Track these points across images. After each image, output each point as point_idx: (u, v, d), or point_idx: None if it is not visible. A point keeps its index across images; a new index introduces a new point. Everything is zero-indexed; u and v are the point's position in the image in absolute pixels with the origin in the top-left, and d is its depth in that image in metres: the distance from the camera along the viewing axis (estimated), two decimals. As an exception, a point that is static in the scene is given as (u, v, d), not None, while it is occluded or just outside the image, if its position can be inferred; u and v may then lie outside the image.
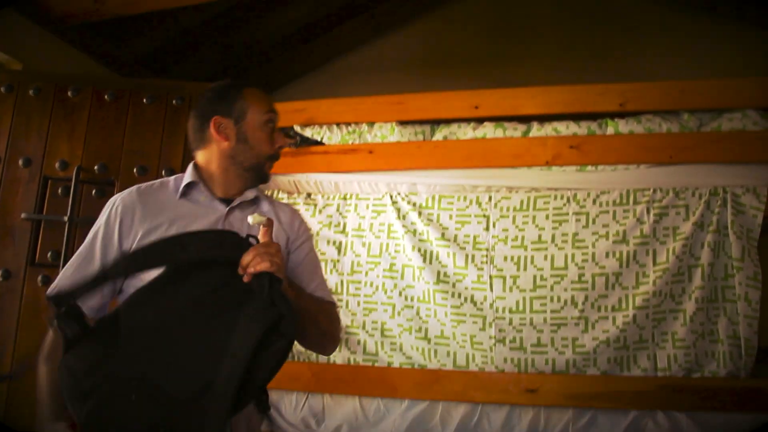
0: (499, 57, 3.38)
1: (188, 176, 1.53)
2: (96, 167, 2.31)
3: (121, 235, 1.44)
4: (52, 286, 1.39)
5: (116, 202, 1.47)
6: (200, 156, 1.57)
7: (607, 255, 2.18)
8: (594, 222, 2.21)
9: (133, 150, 2.36)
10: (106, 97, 2.35)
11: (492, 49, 3.46)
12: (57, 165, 2.30)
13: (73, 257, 1.45)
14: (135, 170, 2.34)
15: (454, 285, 2.26)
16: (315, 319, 1.48)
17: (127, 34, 2.84)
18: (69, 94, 2.32)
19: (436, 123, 2.44)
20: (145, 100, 2.38)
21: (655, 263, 2.14)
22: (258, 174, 1.58)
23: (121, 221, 1.45)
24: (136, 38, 2.90)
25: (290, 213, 1.61)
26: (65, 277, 1.41)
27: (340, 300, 2.35)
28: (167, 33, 2.96)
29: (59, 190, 2.30)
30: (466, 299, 2.24)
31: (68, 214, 2.25)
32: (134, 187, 1.52)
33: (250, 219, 1.33)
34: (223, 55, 3.30)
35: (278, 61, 3.57)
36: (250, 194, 1.58)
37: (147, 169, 2.34)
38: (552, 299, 2.18)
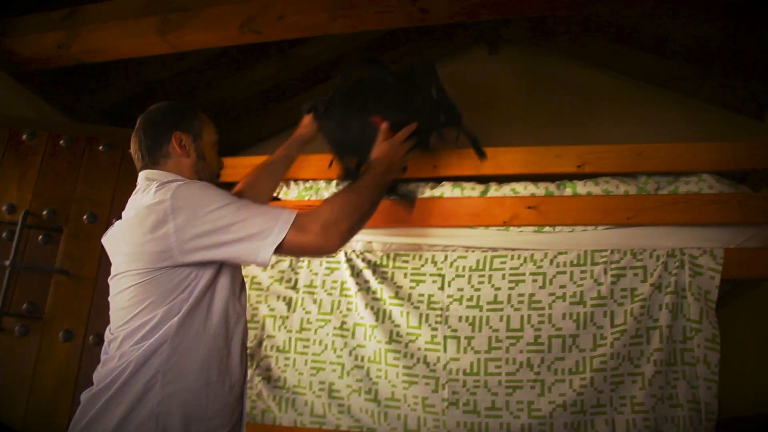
0: None
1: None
2: (45, 212, 2.53)
3: None
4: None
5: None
6: (165, 168, 1.84)
7: (564, 316, 2.36)
8: (551, 283, 2.41)
9: (84, 197, 2.60)
10: (61, 142, 2.61)
11: None
12: (4, 208, 2.53)
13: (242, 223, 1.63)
14: (85, 217, 2.55)
15: (406, 345, 2.42)
16: None
17: (90, 85, 3.14)
18: (24, 137, 2.58)
19: (395, 182, 2.73)
20: (101, 147, 2.64)
21: (612, 325, 2.32)
22: None
23: None
24: (100, 90, 3.20)
25: None
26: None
27: (287, 358, 2.52)
28: (131, 87, 3.27)
29: (4, 234, 2.51)
30: (418, 360, 2.40)
31: (11, 258, 2.43)
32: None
33: None
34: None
35: (244, 121, 3.94)
36: None
37: (97, 217, 2.56)
38: (507, 361, 2.35)
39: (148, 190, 1.71)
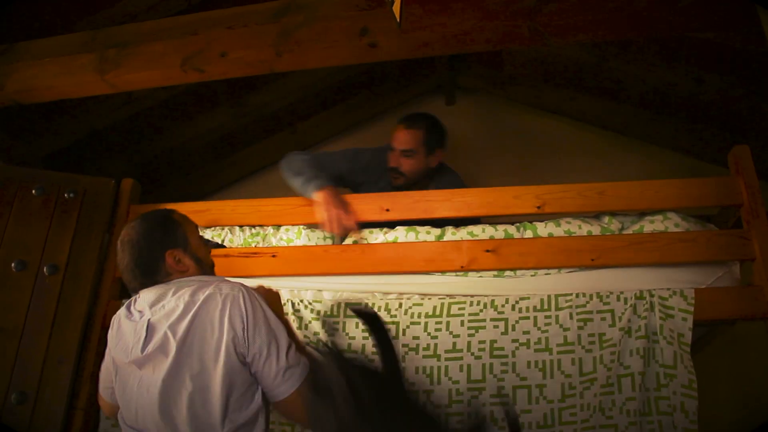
0: None
1: None
2: (-31, 260, 2.27)
3: None
4: None
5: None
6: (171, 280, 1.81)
7: (528, 365, 2.13)
8: (513, 329, 2.18)
9: (13, 243, 2.35)
10: (-11, 186, 2.37)
11: None
12: (-77, 255, 2.27)
13: None
14: (13, 265, 2.31)
15: (360, 400, 2.19)
16: None
17: (32, 130, 2.92)
18: (-50, 181, 2.36)
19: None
20: (34, 192, 2.40)
21: (581, 373, 2.09)
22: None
23: None
24: (42, 135, 2.96)
25: None
26: None
27: (230, 418, 2.25)
28: (75, 133, 3.06)
29: None
30: (373, 416, 2.18)
31: (-72, 309, 2.18)
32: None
33: None
34: (135, 162, 3.41)
35: (195, 173, 3.72)
36: None
37: (26, 264, 2.31)
38: (470, 415, 2.09)
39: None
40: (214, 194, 3.84)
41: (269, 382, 1.66)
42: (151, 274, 1.81)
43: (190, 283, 1.75)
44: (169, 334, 1.64)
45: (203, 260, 1.90)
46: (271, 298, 1.86)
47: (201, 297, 1.67)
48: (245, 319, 1.66)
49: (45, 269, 2.34)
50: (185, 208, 2.49)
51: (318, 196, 2.37)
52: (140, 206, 2.61)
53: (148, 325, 1.69)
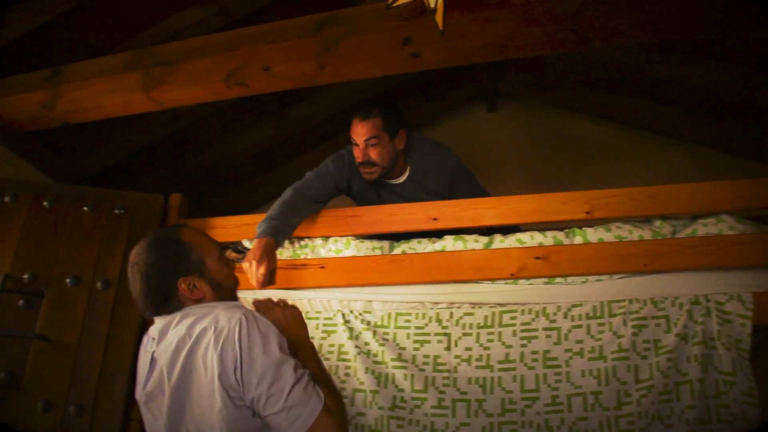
0: None
1: None
2: (25, 276, 2.31)
3: None
4: None
5: None
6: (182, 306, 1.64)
7: (583, 373, 2.09)
8: (566, 338, 2.15)
9: (68, 259, 2.39)
10: (44, 203, 2.41)
11: None
12: (-17, 273, 2.31)
13: None
14: (68, 280, 2.34)
15: (411, 411, 2.15)
16: None
17: (79, 149, 2.99)
18: (6, 199, 2.38)
19: (396, 239, 2.49)
20: (85, 209, 2.44)
21: (637, 380, 2.04)
22: (233, 299, 1.74)
23: None
24: (89, 154, 3.04)
25: None
26: None
27: None
28: (121, 151, 3.12)
29: (-18, 300, 2.28)
30: (425, 427, 2.13)
31: (-10, 325, 2.21)
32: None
33: None
34: (177, 179, 3.45)
35: (240, 187, 3.76)
36: None
37: (80, 280, 2.35)
38: (523, 424, 2.07)
39: None
40: (260, 207, 3.88)
41: (280, 424, 1.45)
42: (164, 303, 1.64)
43: (194, 313, 1.59)
44: (165, 373, 1.53)
45: (222, 283, 1.71)
46: (289, 315, 1.72)
47: (196, 331, 1.52)
48: (238, 359, 1.46)
49: (98, 284, 2.38)
50: (233, 221, 2.56)
51: (253, 243, 2.28)
52: (188, 220, 2.64)
53: (151, 359, 1.59)
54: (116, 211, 2.48)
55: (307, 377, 1.50)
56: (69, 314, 2.35)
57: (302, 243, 2.52)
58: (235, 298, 1.75)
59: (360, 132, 2.56)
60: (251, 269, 2.18)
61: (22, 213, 2.43)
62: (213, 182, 3.70)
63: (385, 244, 2.47)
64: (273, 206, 2.41)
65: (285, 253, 2.50)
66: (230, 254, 2.50)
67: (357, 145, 2.58)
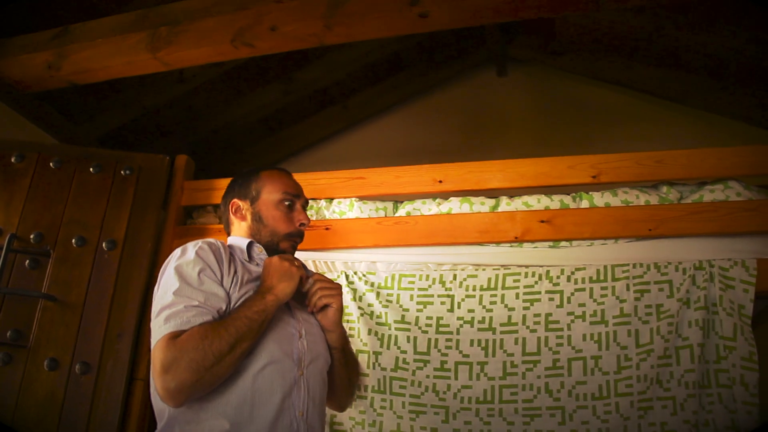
0: (470, 147, 3.65)
1: (245, 240, 1.79)
2: (32, 236, 2.34)
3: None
4: None
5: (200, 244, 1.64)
6: (232, 234, 1.86)
7: (584, 337, 2.12)
8: (569, 301, 2.18)
9: (74, 220, 2.41)
10: (51, 164, 2.44)
11: (463, 141, 3.74)
12: (-11, 232, 2.34)
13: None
14: (74, 241, 2.37)
15: (414, 373, 2.19)
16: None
17: (86, 111, 3.00)
18: (12, 160, 2.41)
19: (399, 201, 2.51)
20: (91, 169, 2.46)
21: (638, 345, 2.07)
22: (274, 251, 1.80)
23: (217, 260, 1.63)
24: (97, 116, 3.05)
25: None
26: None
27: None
28: (128, 113, 3.13)
29: (-12, 259, 2.32)
30: (427, 388, 2.16)
31: (-5, 283, 2.24)
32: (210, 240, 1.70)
33: None
34: (183, 142, 3.47)
35: (247, 150, 3.78)
36: None
37: (86, 240, 2.38)
38: (524, 387, 2.10)
39: None
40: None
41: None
42: (224, 221, 1.89)
43: None
44: None
45: (266, 220, 1.81)
46: (276, 264, 1.68)
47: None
48: (162, 268, 1.64)
49: (104, 245, 2.41)
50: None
51: None
52: (194, 182, 2.67)
53: None
54: (123, 172, 2.50)
55: (177, 308, 1.50)
56: (75, 274, 2.38)
57: (308, 205, 2.53)
58: (274, 246, 1.81)
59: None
60: None
61: (29, 173, 2.45)
62: (220, 146, 3.72)
63: (389, 205, 2.49)
64: None
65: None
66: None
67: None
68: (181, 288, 1.53)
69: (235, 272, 1.65)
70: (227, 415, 1.51)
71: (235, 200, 1.84)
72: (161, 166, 2.61)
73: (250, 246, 1.78)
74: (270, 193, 1.83)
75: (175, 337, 1.45)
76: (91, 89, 2.78)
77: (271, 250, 1.80)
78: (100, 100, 3.06)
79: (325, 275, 2.34)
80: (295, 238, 1.86)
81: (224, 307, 1.57)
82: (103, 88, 2.78)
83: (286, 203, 1.83)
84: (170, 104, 3.26)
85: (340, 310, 1.80)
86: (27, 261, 2.35)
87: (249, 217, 1.82)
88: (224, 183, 2.56)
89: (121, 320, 2.37)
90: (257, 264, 1.76)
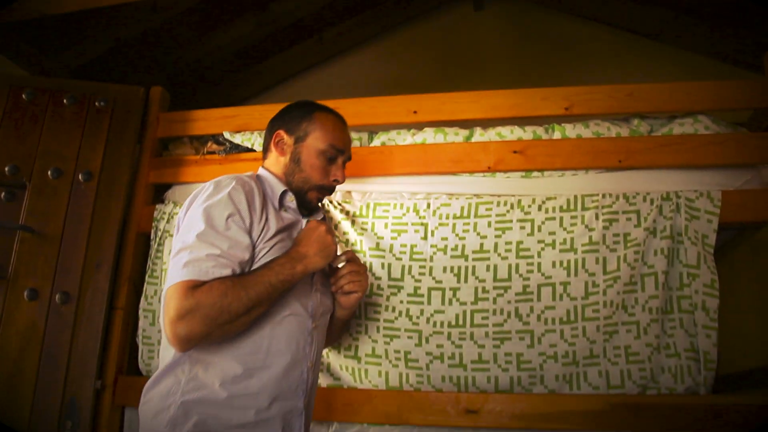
0: (444, 81, 3.66)
1: (279, 184, 1.78)
2: (7, 169, 2.34)
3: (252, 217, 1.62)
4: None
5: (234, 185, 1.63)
6: (266, 163, 1.87)
7: (553, 264, 2.19)
8: (539, 230, 2.23)
9: (49, 152, 2.41)
10: (23, 96, 2.42)
11: (439, 74, 3.75)
12: (-36, 166, 2.33)
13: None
14: (50, 173, 2.37)
15: (388, 298, 2.24)
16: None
17: (57, 42, 2.94)
18: (-17, 93, 2.38)
19: (374, 131, 2.54)
20: (65, 101, 2.45)
21: (605, 272, 2.14)
22: (301, 200, 1.83)
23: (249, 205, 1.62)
24: (68, 48, 2.99)
25: None
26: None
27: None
28: (100, 46, 3.08)
29: (-36, 192, 2.31)
30: (401, 313, 2.22)
31: (-29, 216, 2.24)
32: (246, 177, 1.71)
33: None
34: (157, 75, 3.41)
35: (222, 83, 3.75)
36: (319, 215, 1.94)
37: (62, 172, 2.38)
38: (495, 312, 2.17)
39: None
40: (242, 103, 3.88)
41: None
42: (265, 143, 1.90)
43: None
44: None
45: (304, 168, 1.80)
46: (313, 235, 1.70)
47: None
48: (189, 199, 1.65)
49: (80, 176, 2.41)
50: (215, 114, 2.60)
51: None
52: (170, 114, 2.66)
53: None
54: (97, 104, 2.49)
55: (198, 254, 1.50)
56: (52, 206, 2.40)
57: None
58: (302, 193, 1.83)
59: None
60: None
61: (1, 105, 2.43)
62: (194, 79, 3.67)
63: (364, 135, 2.52)
64: None
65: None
66: (210, 146, 2.54)
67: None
68: (206, 232, 1.53)
69: (267, 220, 1.65)
70: (241, 359, 1.56)
71: (282, 132, 1.83)
72: (136, 98, 2.60)
73: (283, 194, 1.78)
74: (317, 140, 1.81)
75: (194, 286, 1.46)
76: (62, 20, 2.72)
77: (299, 195, 1.82)
78: (71, 32, 3.00)
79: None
80: (326, 192, 1.88)
81: (247, 257, 1.57)
82: (74, 19, 2.72)
83: (329, 156, 1.83)
84: (143, 36, 3.20)
85: (363, 296, 1.88)
86: (3, 193, 2.37)
87: (289, 155, 1.82)
88: (200, 114, 2.61)
89: (99, 251, 2.40)
90: (286, 210, 1.78)
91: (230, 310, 1.47)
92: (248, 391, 1.55)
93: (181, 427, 1.48)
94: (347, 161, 1.90)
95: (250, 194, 1.63)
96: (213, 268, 1.49)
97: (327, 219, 1.99)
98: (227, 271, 1.50)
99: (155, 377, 1.58)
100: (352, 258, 1.86)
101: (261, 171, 1.84)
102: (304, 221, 1.80)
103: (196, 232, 1.53)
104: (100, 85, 2.56)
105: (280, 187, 1.78)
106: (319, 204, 1.94)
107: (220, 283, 1.48)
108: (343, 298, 1.86)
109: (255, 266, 1.60)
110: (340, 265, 1.83)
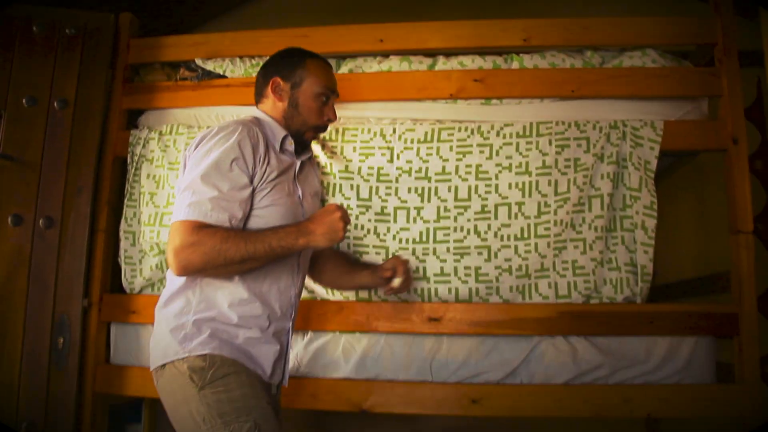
0: (409, 8, 3.69)
1: (279, 128, 1.94)
2: (-21, 99, 2.37)
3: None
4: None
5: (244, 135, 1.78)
6: (262, 107, 2.01)
7: (510, 186, 2.37)
8: (497, 154, 2.40)
9: (22, 81, 2.44)
10: (-11, 25, 2.41)
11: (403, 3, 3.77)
12: (-63, 97, 2.35)
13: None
14: (24, 101, 2.41)
15: (357, 217, 2.40)
16: None
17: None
18: (-51, 23, 2.37)
19: (342, 57, 2.62)
20: (35, 28, 2.46)
21: (556, 193, 2.34)
22: (299, 140, 2.00)
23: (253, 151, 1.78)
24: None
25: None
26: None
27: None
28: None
29: (-60, 122, 2.34)
30: (369, 231, 2.40)
31: (-55, 148, 2.29)
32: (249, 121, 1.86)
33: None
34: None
35: (183, 6, 3.71)
36: (309, 153, 2.11)
37: (37, 100, 2.42)
38: (455, 229, 2.36)
39: None
40: (214, 19, 3.83)
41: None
42: (259, 90, 2.03)
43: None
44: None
45: (301, 111, 1.99)
46: (328, 216, 1.79)
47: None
48: (191, 148, 1.80)
49: (56, 104, 2.45)
50: (185, 40, 2.66)
51: None
52: (140, 40, 2.70)
53: None
54: (68, 31, 2.50)
55: (201, 196, 1.69)
56: (29, 133, 2.44)
57: (254, 62, 2.62)
58: (300, 134, 2.01)
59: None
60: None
61: (-33, 36, 2.43)
62: (162, 2, 3.62)
63: (332, 62, 2.59)
64: None
65: (237, 71, 2.61)
66: (183, 72, 2.61)
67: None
68: (210, 173, 1.70)
69: (268, 162, 1.82)
70: (247, 284, 1.78)
71: (278, 79, 1.97)
72: (106, 25, 2.61)
73: (284, 139, 1.94)
74: (312, 85, 1.99)
75: (198, 226, 1.65)
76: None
77: (297, 135, 1.99)
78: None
79: None
80: (320, 131, 2.10)
81: (246, 195, 1.75)
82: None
83: (323, 98, 2.02)
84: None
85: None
86: (-23, 123, 2.38)
87: (287, 100, 1.98)
88: (171, 41, 2.66)
89: (78, 176, 2.47)
90: (284, 152, 1.94)
91: (226, 255, 1.65)
92: (253, 312, 1.78)
93: (197, 338, 1.70)
94: (335, 99, 2.09)
95: (255, 141, 1.80)
96: (212, 210, 1.67)
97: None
98: (225, 215, 1.69)
99: (166, 298, 1.78)
100: (405, 274, 2.12)
101: (261, 115, 1.98)
102: (298, 162, 1.98)
103: (201, 173, 1.70)
104: (69, 12, 2.56)
105: (281, 132, 1.94)
106: None
107: (224, 231, 1.67)
108: (385, 286, 2.15)
109: (257, 202, 1.79)
110: (395, 283, 2.12)
